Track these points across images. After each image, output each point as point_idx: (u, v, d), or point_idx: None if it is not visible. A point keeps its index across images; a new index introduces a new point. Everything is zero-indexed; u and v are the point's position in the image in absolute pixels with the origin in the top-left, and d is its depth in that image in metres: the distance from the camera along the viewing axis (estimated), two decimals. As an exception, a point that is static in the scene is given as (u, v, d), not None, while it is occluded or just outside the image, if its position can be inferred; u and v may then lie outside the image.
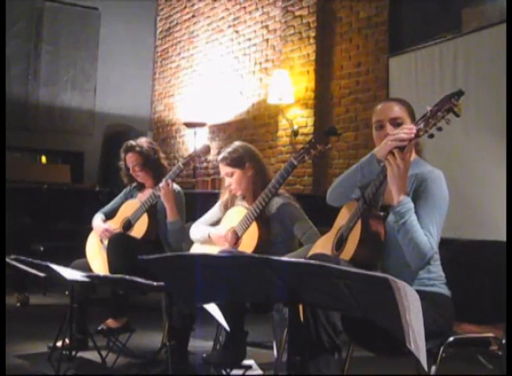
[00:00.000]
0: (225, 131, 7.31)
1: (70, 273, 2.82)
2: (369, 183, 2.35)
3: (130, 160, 3.74)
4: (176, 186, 3.67)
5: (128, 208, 3.70)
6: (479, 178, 4.33)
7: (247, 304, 2.87)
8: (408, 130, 2.16)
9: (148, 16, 8.92)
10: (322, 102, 5.93)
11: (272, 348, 2.99)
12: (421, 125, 2.10)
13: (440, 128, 2.07)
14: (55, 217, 5.06)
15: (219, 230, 3.15)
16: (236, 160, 3.14)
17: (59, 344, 3.09)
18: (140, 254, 1.76)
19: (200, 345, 3.47)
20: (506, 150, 3.77)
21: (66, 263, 3.35)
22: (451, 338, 2.14)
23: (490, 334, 2.27)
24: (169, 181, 3.52)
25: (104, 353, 3.16)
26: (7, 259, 2.99)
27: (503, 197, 3.21)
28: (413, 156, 2.35)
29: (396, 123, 2.31)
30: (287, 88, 5.96)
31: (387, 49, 5.36)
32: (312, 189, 5.87)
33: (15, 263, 2.96)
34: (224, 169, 3.18)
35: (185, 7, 8.31)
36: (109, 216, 3.80)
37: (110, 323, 3.49)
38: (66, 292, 3.08)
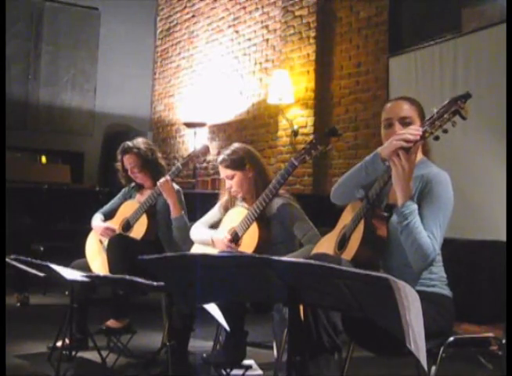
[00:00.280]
0: (225, 132, 7.31)
1: (70, 273, 2.82)
2: (374, 183, 2.35)
3: (128, 161, 3.71)
4: (175, 186, 3.66)
5: (127, 209, 3.69)
6: (479, 178, 4.33)
7: (247, 304, 2.87)
8: (414, 131, 2.15)
9: (148, 16, 8.92)
10: (322, 102, 5.93)
11: (272, 348, 2.99)
12: (427, 127, 2.09)
13: (446, 130, 2.07)
14: (55, 217, 5.06)
15: (221, 234, 3.15)
16: (236, 163, 3.13)
17: (59, 344, 3.09)
18: (140, 255, 1.76)
19: (200, 345, 3.47)
20: (506, 150, 3.77)
21: (66, 263, 3.35)
22: (451, 338, 2.15)
23: (490, 334, 2.27)
24: (168, 177, 3.51)
25: (104, 353, 3.16)
26: (7, 259, 2.99)
27: (503, 197, 3.20)
28: (420, 156, 2.35)
29: (405, 122, 2.29)
30: (287, 88, 5.96)
31: (387, 49, 5.36)
32: (312, 189, 5.87)
33: (15, 263, 2.96)
34: (224, 172, 3.17)
35: (185, 7, 8.31)
36: (108, 216, 3.79)
37: (112, 323, 3.48)
38: (66, 292, 3.08)
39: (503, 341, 2.22)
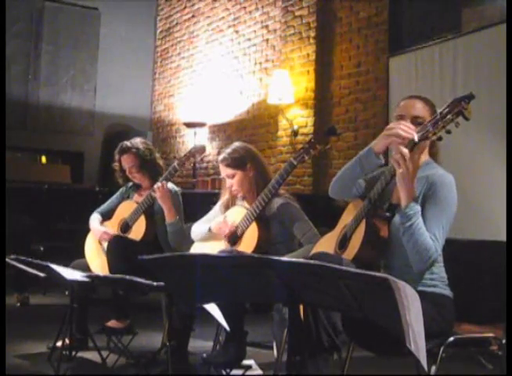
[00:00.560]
0: (225, 131, 7.31)
1: (70, 273, 2.82)
2: (376, 183, 2.35)
3: (126, 161, 3.69)
4: (173, 186, 3.65)
5: (125, 209, 3.68)
6: (479, 178, 4.33)
7: (247, 304, 2.87)
8: (404, 127, 2.16)
9: (148, 16, 8.92)
10: (322, 102, 5.93)
11: (272, 348, 2.99)
12: (430, 128, 2.09)
13: (449, 130, 2.07)
14: (55, 217, 5.06)
15: (218, 221, 3.15)
16: (236, 162, 3.13)
17: (59, 344, 3.09)
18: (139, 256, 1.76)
19: (200, 345, 3.47)
20: (506, 150, 3.77)
21: (66, 263, 3.36)
22: (451, 338, 2.15)
23: (490, 334, 2.27)
24: (163, 182, 3.49)
25: (104, 353, 3.16)
26: (7, 259, 2.99)
27: (503, 197, 3.21)
28: (426, 158, 2.35)
29: (417, 122, 2.27)
30: (287, 88, 5.96)
31: (387, 49, 5.36)
32: (312, 189, 5.87)
33: (15, 263, 2.96)
34: (225, 170, 3.16)
35: (185, 7, 8.31)
36: (105, 216, 3.77)
37: (113, 323, 3.48)
38: (66, 292, 3.08)
39: (503, 341, 2.22)
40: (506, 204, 3.24)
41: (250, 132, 6.86)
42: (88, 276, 2.85)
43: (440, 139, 2.10)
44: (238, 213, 3.10)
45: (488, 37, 4.39)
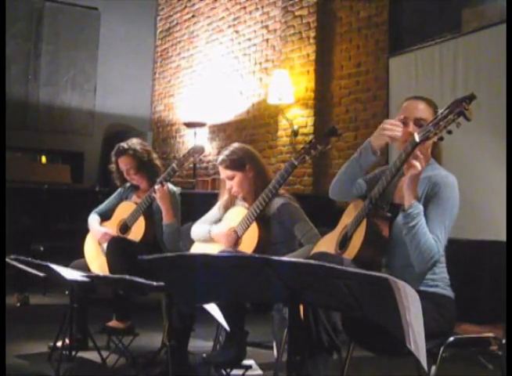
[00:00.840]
0: (225, 131, 7.31)
1: (69, 273, 2.82)
2: (376, 182, 2.35)
3: (123, 163, 3.67)
4: (171, 187, 3.64)
5: (124, 210, 3.67)
6: (479, 178, 4.33)
7: (247, 304, 2.87)
8: (389, 125, 2.23)
9: (148, 16, 8.92)
10: (322, 102, 5.93)
11: (272, 348, 2.99)
12: (431, 128, 2.09)
13: (450, 131, 2.07)
14: (55, 217, 5.05)
15: (220, 228, 3.15)
16: (235, 163, 3.12)
17: (59, 344, 3.09)
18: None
19: (200, 345, 3.47)
20: (506, 150, 3.77)
21: (66, 263, 3.36)
22: (451, 338, 2.15)
23: (490, 334, 2.27)
24: (164, 183, 3.49)
25: (104, 353, 3.16)
26: (7, 259, 2.99)
27: (503, 197, 3.20)
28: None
29: (420, 124, 2.29)
30: (287, 88, 5.96)
31: (387, 49, 5.37)
32: (312, 189, 5.87)
33: (15, 263, 2.96)
34: (224, 172, 3.16)
35: (185, 7, 8.31)
36: (103, 217, 3.76)
37: (114, 324, 3.47)
38: (66, 292, 3.08)
39: (503, 341, 2.22)
40: (506, 204, 3.24)
41: (250, 132, 6.86)
42: (87, 276, 2.85)
43: (441, 139, 2.10)
44: (238, 213, 3.10)
45: (488, 37, 4.39)
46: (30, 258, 2.92)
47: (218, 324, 2.98)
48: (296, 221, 3.03)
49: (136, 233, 3.55)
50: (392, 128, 2.24)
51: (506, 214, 3.45)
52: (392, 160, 2.32)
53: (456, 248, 2.59)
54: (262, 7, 6.87)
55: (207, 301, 2.23)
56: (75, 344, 3.02)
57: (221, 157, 3.17)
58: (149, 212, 3.60)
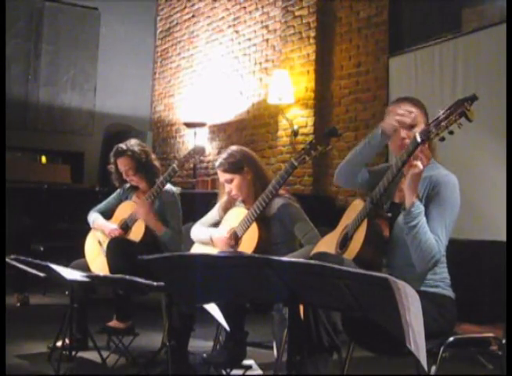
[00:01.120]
0: (225, 131, 7.31)
1: (70, 273, 2.82)
2: (379, 178, 2.35)
3: (122, 164, 3.67)
4: (171, 187, 3.64)
5: (124, 210, 3.67)
6: (479, 178, 4.33)
7: (247, 304, 2.87)
8: (401, 111, 2.30)
9: (148, 16, 8.91)
10: (322, 102, 5.93)
11: (272, 348, 2.99)
12: (433, 128, 2.09)
13: (451, 131, 2.07)
14: (55, 217, 5.06)
15: (221, 232, 3.14)
16: (233, 166, 3.11)
17: (59, 344, 3.09)
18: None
19: (200, 345, 3.47)
20: (506, 150, 3.77)
21: (66, 263, 3.36)
22: (451, 338, 2.15)
23: (490, 334, 2.27)
24: (146, 201, 3.48)
25: (104, 353, 3.16)
26: (7, 259, 2.99)
27: (503, 197, 3.21)
28: None
29: (410, 126, 2.32)
30: (287, 88, 5.96)
31: (387, 49, 5.36)
32: (312, 189, 5.87)
33: (15, 263, 2.96)
34: (222, 176, 3.15)
35: (185, 7, 8.31)
36: (103, 216, 3.76)
37: (114, 324, 3.47)
38: (66, 292, 3.08)
39: (503, 341, 2.22)
40: (506, 204, 3.25)
41: (250, 132, 6.85)
42: (88, 276, 2.85)
43: (443, 139, 2.11)
44: (238, 214, 3.09)
45: (488, 37, 4.39)
46: (30, 258, 2.93)
47: (218, 324, 2.98)
48: (296, 221, 3.02)
49: (136, 233, 3.55)
50: (404, 113, 2.26)
51: (506, 214, 3.46)
52: (392, 160, 2.33)
53: (456, 248, 2.59)
54: (262, 7, 6.86)
55: (207, 301, 2.23)
56: (75, 344, 3.03)
57: (218, 161, 3.16)
58: None
